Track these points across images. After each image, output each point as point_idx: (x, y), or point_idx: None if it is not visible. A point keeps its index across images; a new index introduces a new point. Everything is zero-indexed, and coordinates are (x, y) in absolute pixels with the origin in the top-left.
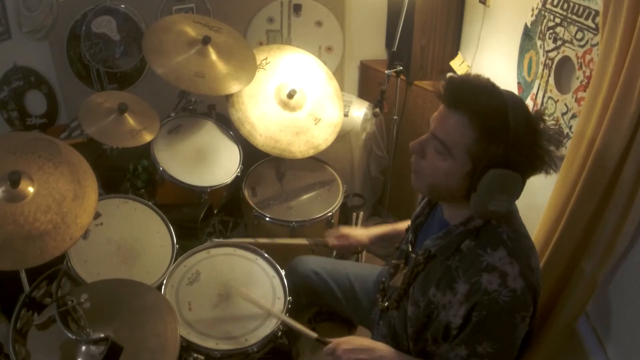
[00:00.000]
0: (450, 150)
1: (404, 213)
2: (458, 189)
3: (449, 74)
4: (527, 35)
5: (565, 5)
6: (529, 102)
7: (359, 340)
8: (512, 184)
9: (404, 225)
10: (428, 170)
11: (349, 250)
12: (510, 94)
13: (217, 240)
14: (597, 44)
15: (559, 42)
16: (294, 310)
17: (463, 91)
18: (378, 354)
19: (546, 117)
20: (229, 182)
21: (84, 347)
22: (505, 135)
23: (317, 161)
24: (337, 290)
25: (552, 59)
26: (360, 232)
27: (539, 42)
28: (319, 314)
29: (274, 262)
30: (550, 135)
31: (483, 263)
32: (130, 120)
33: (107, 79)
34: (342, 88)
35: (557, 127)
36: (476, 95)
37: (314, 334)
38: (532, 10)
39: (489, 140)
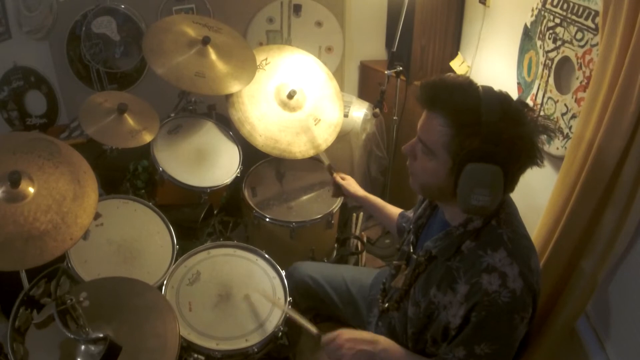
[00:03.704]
0: (432, 149)
1: None
2: (446, 187)
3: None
4: (527, 36)
5: (565, 6)
6: (528, 102)
7: (361, 333)
8: (491, 178)
9: (393, 208)
10: (419, 170)
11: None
12: (487, 89)
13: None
14: (596, 44)
15: (558, 43)
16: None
17: (436, 91)
18: (380, 346)
19: (537, 112)
20: (228, 183)
21: (83, 346)
22: (478, 129)
23: (317, 161)
24: (334, 295)
25: (552, 59)
26: (358, 188)
27: (538, 43)
28: (318, 316)
29: (274, 262)
30: (538, 127)
31: (483, 264)
32: (130, 120)
33: (107, 79)
34: (342, 88)
35: (548, 119)
36: (449, 94)
37: (316, 330)
38: (532, 10)
39: (464, 136)
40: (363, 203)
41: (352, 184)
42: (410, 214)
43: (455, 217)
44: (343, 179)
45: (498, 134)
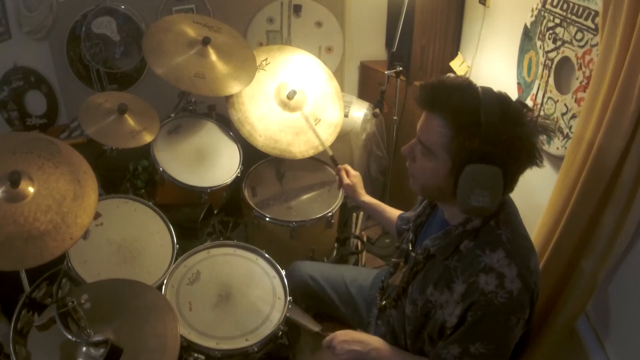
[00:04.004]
0: (432, 150)
1: None
2: (446, 187)
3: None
4: (527, 36)
5: (565, 6)
6: (529, 103)
7: (356, 334)
8: (491, 178)
9: (392, 211)
10: (418, 171)
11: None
12: (487, 90)
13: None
14: (596, 45)
15: (558, 43)
16: None
17: (436, 92)
18: (370, 346)
19: (536, 112)
20: (228, 183)
21: (84, 348)
22: (477, 130)
23: (317, 161)
24: (333, 295)
25: (552, 60)
26: (361, 191)
27: (538, 43)
28: (318, 316)
29: (274, 262)
30: (537, 127)
31: (481, 264)
32: (130, 120)
33: (107, 79)
34: (342, 88)
35: (547, 119)
36: (448, 95)
37: (316, 328)
38: (532, 10)
39: (463, 137)
40: (363, 207)
41: (353, 187)
42: (409, 214)
43: (455, 216)
44: (348, 172)
45: (497, 135)
